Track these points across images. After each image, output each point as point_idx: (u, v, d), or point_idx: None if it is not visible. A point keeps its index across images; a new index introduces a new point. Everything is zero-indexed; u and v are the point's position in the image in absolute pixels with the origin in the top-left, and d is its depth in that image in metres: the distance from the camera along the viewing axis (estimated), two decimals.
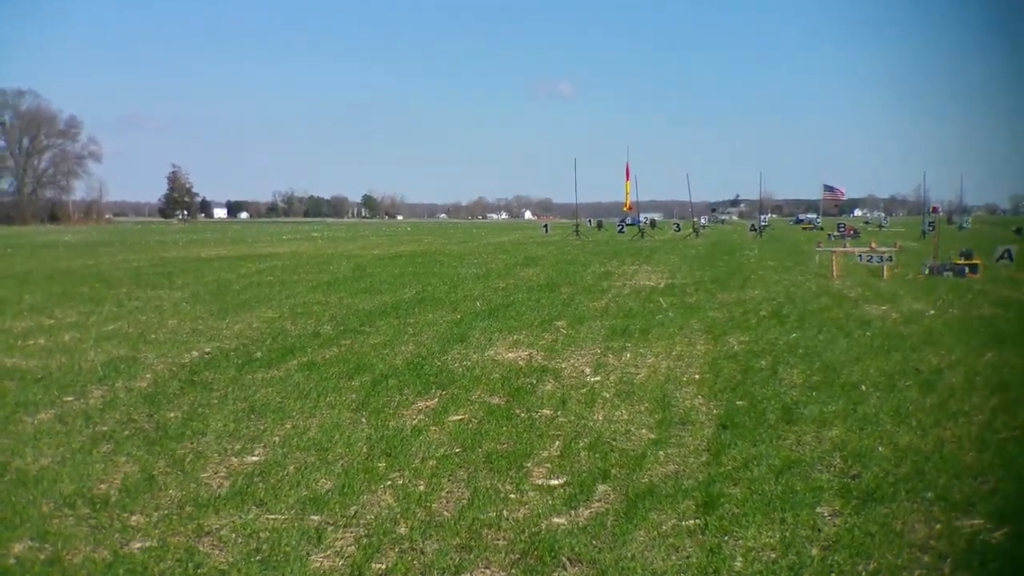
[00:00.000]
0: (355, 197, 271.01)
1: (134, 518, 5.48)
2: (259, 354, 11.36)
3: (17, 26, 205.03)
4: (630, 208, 63.66)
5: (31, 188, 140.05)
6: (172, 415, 8.12)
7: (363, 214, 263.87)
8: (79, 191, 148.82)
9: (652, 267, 28.52)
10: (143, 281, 22.39)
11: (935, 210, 55.42)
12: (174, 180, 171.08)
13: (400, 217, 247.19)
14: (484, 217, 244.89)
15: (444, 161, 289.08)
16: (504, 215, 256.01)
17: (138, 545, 5.05)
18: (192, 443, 7.17)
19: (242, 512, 5.56)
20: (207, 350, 11.74)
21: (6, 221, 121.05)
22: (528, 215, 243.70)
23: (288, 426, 7.75)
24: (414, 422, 7.91)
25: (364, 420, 7.96)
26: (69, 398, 8.89)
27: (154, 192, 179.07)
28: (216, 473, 6.43)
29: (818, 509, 5.62)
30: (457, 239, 57.96)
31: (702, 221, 79.21)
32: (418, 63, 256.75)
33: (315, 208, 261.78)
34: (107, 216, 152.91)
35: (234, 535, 5.21)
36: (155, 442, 7.20)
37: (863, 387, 9.24)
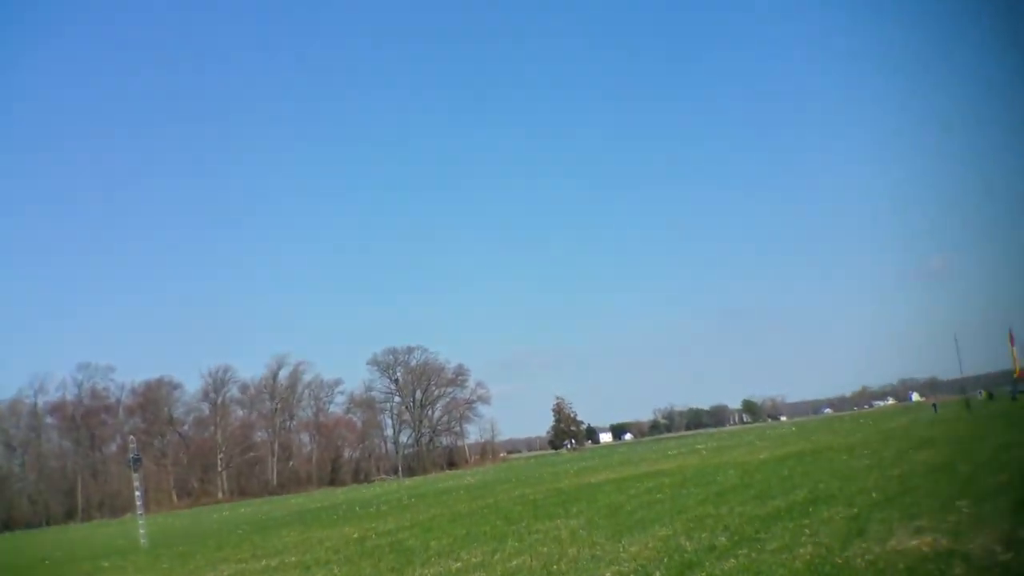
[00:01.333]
0: (734, 403, 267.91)
1: None
2: (658, 574, 11.38)
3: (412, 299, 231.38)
4: (1020, 374, 59.07)
5: (428, 437, 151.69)
6: None
7: (744, 419, 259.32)
8: (472, 434, 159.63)
9: None
10: (540, 513, 23.35)
11: None
12: (559, 411, 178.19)
13: (783, 417, 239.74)
14: (870, 405, 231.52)
15: (820, 355, 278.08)
16: (891, 400, 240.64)
17: None
18: None
19: None
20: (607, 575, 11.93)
21: (408, 472, 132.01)
22: (915, 396, 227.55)
23: None
24: None
25: None
26: None
27: (542, 425, 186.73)
28: None
29: None
30: (843, 431, 55.30)
31: None
32: (790, 266, 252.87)
33: (695, 420, 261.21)
34: (501, 455, 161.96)
35: None
36: None
37: None
